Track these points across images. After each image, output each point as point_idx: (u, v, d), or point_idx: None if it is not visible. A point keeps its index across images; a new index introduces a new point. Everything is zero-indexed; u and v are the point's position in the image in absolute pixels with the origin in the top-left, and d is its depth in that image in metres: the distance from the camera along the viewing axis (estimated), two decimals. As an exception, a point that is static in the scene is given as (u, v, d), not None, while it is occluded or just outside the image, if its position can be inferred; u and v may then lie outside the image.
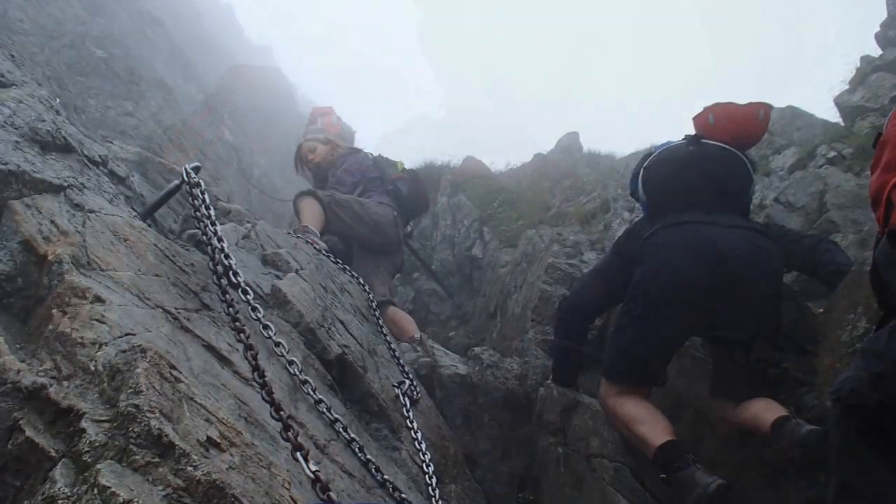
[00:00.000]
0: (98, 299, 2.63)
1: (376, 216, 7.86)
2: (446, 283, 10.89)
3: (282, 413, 2.66)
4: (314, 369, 3.86)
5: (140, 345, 2.44)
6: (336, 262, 5.92)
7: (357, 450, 3.47)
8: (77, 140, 3.77)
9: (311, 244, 5.85)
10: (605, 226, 9.06)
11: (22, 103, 3.43)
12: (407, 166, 9.17)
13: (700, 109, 5.62)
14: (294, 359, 3.45)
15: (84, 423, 2.16)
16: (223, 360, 2.98)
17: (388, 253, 8.12)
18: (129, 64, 11.75)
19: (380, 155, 9.18)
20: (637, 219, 6.83)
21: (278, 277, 4.45)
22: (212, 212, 3.64)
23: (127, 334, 2.54)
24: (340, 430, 3.46)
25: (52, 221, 2.95)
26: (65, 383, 2.32)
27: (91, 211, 3.22)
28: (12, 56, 4.03)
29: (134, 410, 2.19)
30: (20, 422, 2.18)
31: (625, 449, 5.29)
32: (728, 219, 5.02)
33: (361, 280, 6.12)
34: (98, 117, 10.05)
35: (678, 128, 5.97)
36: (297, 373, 3.41)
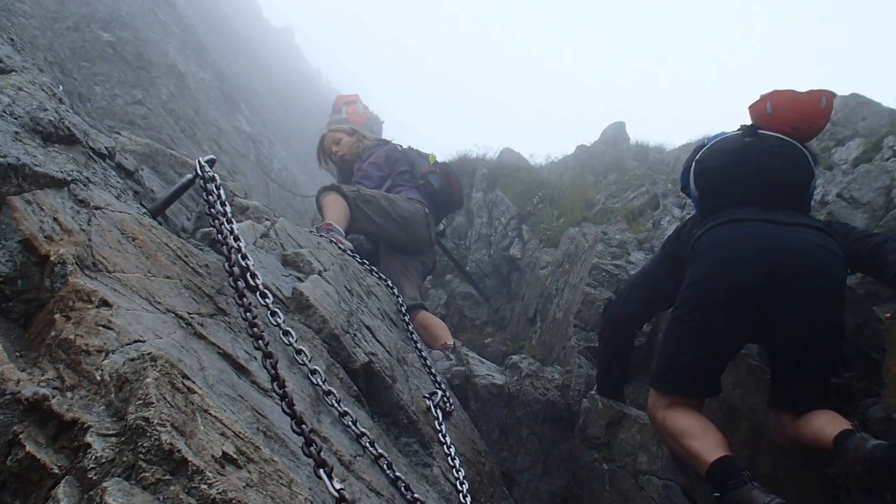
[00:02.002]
0: (104, 303, 2.63)
1: (406, 213, 7.85)
2: (482, 286, 10.88)
3: (304, 426, 2.65)
4: (338, 379, 3.85)
5: (150, 352, 2.43)
6: (362, 263, 5.92)
7: (385, 466, 3.45)
8: (82, 130, 3.78)
9: (336, 243, 5.85)
10: (653, 224, 9.01)
11: (22, 91, 3.44)
12: (440, 159, 9.15)
13: (757, 97, 5.57)
14: (317, 367, 3.44)
15: (89, 438, 2.15)
16: (240, 370, 2.97)
17: (419, 253, 8.11)
18: (138, 48, 11.79)
19: (410, 146, 9.16)
20: (688, 216, 6.78)
21: (300, 280, 4.45)
22: (228, 208, 3.64)
23: (136, 341, 2.54)
24: (367, 444, 3.44)
25: (55, 219, 2.94)
26: (68, 394, 2.32)
27: (97, 207, 3.22)
28: (11, 40, 4.05)
29: (143, 424, 2.18)
30: (20, 436, 2.17)
31: (675, 465, 5.27)
32: (787, 216, 4.97)
33: (390, 282, 6.11)
34: (104, 106, 10.09)
35: (734, 118, 5.92)
36: (321, 383, 3.40)
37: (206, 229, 4.44)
